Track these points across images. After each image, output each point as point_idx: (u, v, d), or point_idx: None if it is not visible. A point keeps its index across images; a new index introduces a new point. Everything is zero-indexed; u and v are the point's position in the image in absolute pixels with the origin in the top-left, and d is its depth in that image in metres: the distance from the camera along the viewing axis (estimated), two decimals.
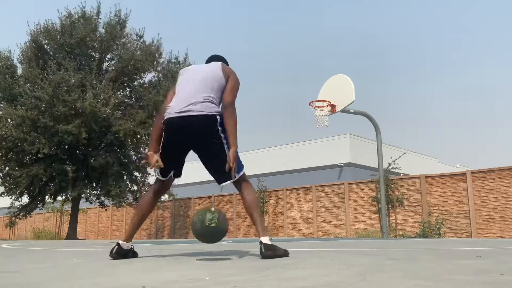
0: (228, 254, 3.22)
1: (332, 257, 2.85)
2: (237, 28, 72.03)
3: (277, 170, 26.02)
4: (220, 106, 2.96)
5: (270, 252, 2.70)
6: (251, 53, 72.37)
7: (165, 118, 2.94)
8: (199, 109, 2.88)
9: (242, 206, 18.06)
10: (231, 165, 2.81)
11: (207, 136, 2.88)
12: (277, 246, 2.78)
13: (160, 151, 2.95)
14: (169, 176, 3.07)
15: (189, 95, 2.94)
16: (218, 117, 2.89)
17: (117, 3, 29.49)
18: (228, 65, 3.27)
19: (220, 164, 2.84)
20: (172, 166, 3.04)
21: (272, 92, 70.38)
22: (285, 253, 2.81)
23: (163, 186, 3.13)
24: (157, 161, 2.91)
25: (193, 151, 3.03)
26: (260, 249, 2.72)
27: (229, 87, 2.99)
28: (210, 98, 2.92)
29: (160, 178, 3.06)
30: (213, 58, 3.30)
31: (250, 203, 2.90)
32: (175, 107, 2.93)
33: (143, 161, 3.53)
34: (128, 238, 3.01)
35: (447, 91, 63.39)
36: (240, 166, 2.91)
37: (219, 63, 3.11)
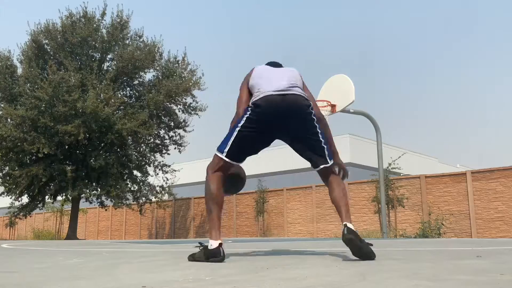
0: (228, 254, 3.23)
1: (332, 257, 2.85)
2: (236, 28, 72.05)
3: (277, 170, 26.01)
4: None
5: (353, 236, 2.44)
6: (250, 53, 72.36)
7: (258, 98, 2.72)
8: (299, 91, 2.77)
9: (242, 206, 18.18)
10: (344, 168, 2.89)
11: (307, 119, 2.73)
12: (363, 240, 2.48)
13: (242, 136, 2.71)
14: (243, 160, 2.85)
15: (283, 80, 2.78)
16: (311, 102, 2.81)
17: (119, 4, 29.49)
18: None
19: (318, 148, 2.74)
20: (252, 150, 2.80)
21: None
22: (370, 253, 2.45)
23: (228, 169, 2.83)
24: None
25: (284, 136, 2.81)
26: (343, 231, 2.50)
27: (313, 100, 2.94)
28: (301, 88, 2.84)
29: (233, 163, 2.77)
30: (278, 64, 3.09)
31: (339, 195, 2.76)
32: (269, 88, 2.73)
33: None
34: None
35: (448, 91, 63.40)
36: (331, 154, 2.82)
37: (295, 69, 3.01)
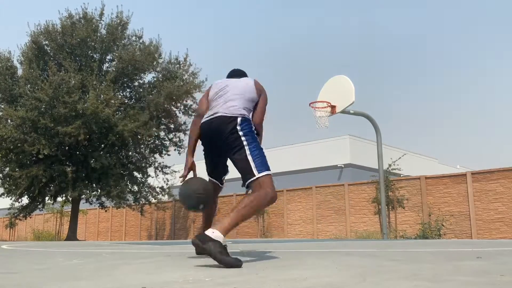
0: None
1: (332, 258, 2.85)
2: (236, 28, 72.09)
3: (277, 171, 26.01)
4: (250, 115, 3.05)
5: (200, 243, 2.33)
6: (250, 53, 72.42)
7: (202, 121, 3.07)
8: (222, 111, 2.93)
9: None
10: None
11: (229, 138, 2.83)
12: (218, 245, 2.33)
13: (204, 154, 3.15)
14: (222, 178, 3.27)
15: (220, 104, 3.01)
16: (239, 119, 2.87)
17: (119, 5, 29.55)
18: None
19: (245, 164, 2.75)
20: (216, 170, 3.22)
21: (272, 93, 70.29)
22: (229, 261, 2.26)
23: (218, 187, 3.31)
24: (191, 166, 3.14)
25: (220, 156, 3.08)
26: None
27: (261, 106, 3.15)
28: (238, 105, 2.97)
29: (213, 180, 3.25)
30: (238, 73, 3.38)
31: (243, 201, 2.62)
32: (206, 114, 3.06)
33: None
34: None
35: (448, 91, 63.41)
36: (260, 165, 2.77)
37: (252, 79, 3.22)
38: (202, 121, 3.04)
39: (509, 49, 57.75)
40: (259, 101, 3.13)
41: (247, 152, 2.78)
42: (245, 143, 2.80)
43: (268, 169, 2.78)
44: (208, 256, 2.33)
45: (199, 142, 3.13)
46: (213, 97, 3.11)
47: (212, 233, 2.37)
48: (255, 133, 2.92)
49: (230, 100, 2.98)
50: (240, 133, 2.83)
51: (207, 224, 3.34)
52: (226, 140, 2.84)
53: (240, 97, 3.01)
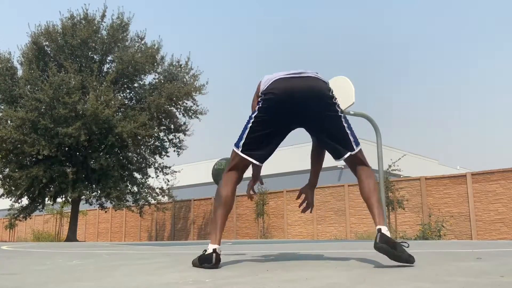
0: (228, 256, 3.22)
1: (332, 258, 2.85)
2: (236, 29, 72.14)
3: (277, 172, 26.01)
4: None
5: (386, 246, 2.13)
6: (250, 54, 72.47)
7: (269, 83, 2.46)
8: (315, 74, 2.51)
9: (243, 208, 18.17)
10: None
11: (329, 103, 2.46)
12: (399, 244, 2.16)
13: (257, 127, 2.47)
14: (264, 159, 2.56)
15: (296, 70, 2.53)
16: (330, 85, 2.53)
17: (120, 6, 29.56)
18: None
19: (342, 135, 2.48)
20: (270, 145, 2.53)
21: None
22: (408, 258, 2.15)
23: (243, 173, 2.60)
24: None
25: (302, 123, 2.56)
26: (375, 238, 2.19)
27: None
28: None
29: (256, 163, 2.53)
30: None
31: (369, 189, 2.43)
32: (281, 74, 2.50)
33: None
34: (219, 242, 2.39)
35: (448, 92, 63.45)
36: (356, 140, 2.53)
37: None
38: (286, 77, 2.45)
39: (510, 49, 57.79)
40: None
41: (344, 124, 2.48)
42: (340, 113, 2.49)
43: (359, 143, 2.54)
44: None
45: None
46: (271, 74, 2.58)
47: (387, 231, 2.20)
48: None
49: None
50: (336, 101, 2.50)
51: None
52: (325, 105, 2.43)
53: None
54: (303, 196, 3.02)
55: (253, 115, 2.48)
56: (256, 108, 2.49)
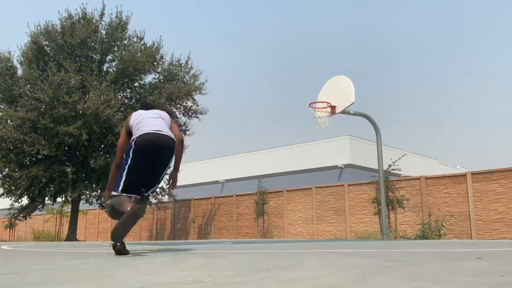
0: (228, 256, 3.22)
1: (332, 258, 2.85)
2: (237, 29, 72.10)
3: (277, 171, 26.02)
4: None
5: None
6: (251, 54, 72.44)
7: (138, 135, 3.69)
8: (168, 133, 3.83)
9: (242, 208, 18.17)
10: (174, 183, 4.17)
11: (171, 153, 3.77)
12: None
13: (129, 170, 3.69)
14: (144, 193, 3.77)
15: (158, 126, 3.81)
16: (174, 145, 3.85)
17: (118, 5, 29.52)
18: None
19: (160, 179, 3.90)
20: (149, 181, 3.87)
21: (272, 94, 70.44)
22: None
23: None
24: None
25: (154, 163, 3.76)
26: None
27: (176, 127, 4.05)
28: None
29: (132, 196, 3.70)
30: (151, 106, 4.46)
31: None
32: (146, 129, 3.75)
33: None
34: None
35: (447, 92, 63.44)
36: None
37: (165, 112, 4.21)
38: (144, 132, 3.70)
39: (510, 48, 57.78)
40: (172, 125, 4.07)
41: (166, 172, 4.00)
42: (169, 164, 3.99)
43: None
44: (208, 257, 2.32)
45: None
46: (138, 118, 3.99)
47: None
48: None
49: (163, 127, 3.92)
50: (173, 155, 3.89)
51: None
52: (170, 154, 3.81)
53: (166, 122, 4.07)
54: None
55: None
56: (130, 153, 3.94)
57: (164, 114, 4.11)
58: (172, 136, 3.80)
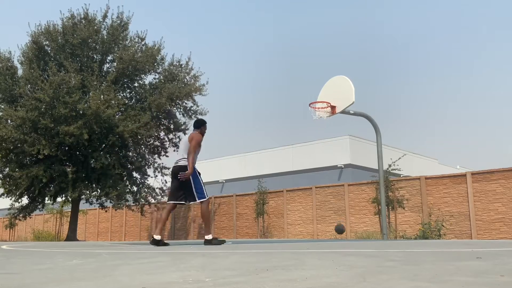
0: (228, 255, 3.22)
1: (332, 258, 2.85)
2: (237, 30, 72.09)
3: (277, 171, 26.01)
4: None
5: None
6: (251, 55, 72.43)
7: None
8: (180, 162, 6.31)
9: (242, 207, 18.18)
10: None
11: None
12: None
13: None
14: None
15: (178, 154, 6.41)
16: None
17: (120, 6, 29.53)
18: (203, 124, 6.59)
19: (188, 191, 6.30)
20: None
21: (272, 94, 70.46)
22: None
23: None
24: None
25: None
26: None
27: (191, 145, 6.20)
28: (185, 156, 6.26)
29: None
30: (195, 123, 6.63)
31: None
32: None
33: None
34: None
35: (448, 92, 63.41)
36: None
37: (190, 134, 6.36)
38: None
39: (509, 48, 57.74)
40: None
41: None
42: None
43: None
44: (208, 257, 2.33)
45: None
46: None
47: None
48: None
49: (181, 152, 6.51)
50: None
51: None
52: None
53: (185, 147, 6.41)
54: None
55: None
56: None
57: (186, 137, 6.31)
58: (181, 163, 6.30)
